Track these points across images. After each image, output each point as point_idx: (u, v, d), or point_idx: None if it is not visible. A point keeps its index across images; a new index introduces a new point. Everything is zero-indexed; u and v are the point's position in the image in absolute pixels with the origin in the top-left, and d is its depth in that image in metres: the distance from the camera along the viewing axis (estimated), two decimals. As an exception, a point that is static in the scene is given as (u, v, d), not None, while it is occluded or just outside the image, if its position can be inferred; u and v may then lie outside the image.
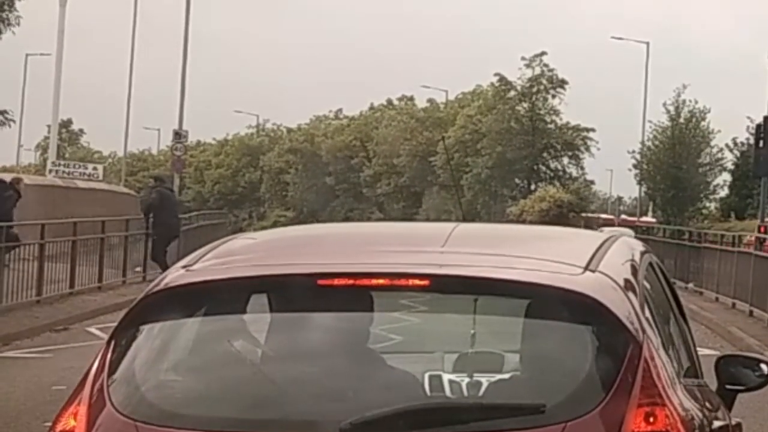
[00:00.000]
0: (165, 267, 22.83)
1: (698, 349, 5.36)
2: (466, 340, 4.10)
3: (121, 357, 3.93)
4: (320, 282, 3.91)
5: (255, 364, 4.06)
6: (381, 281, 3.91)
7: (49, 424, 4.03)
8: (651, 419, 3.66)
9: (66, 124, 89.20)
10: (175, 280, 4.10)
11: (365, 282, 3.92)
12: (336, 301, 3.95)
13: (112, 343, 4.00)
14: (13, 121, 38.13)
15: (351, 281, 3.92)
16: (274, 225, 56.28)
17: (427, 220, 59.33)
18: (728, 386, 4.97)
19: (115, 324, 4.14)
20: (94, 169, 46.25)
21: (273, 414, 3.75)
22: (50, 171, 43.53)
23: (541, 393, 3.72)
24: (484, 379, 4.06)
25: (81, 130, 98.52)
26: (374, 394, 3.77)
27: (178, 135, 46.99)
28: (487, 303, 3.94)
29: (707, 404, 4.44)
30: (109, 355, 3.95)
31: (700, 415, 4.11)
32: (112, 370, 3.90)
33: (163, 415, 3.75)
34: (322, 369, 3.87)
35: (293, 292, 3.97)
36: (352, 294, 3.96)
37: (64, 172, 43.02)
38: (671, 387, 3.86)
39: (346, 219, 67.20)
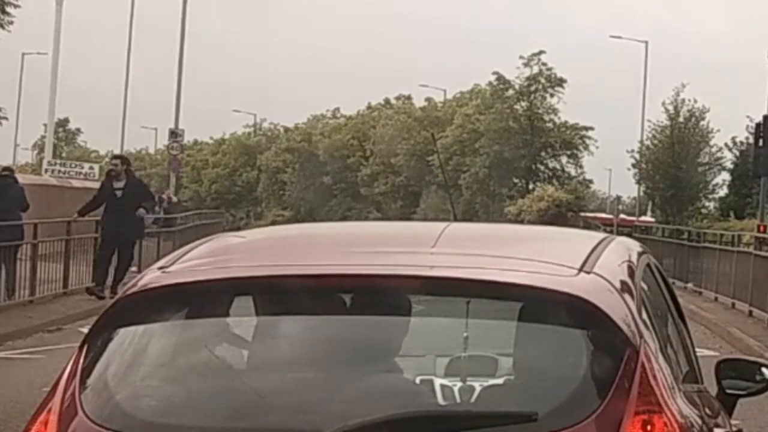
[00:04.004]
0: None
1: (697, 350, 5.26)
2: (458, 343, 3.96)
3: (94, 363, 3.77)
4: (303, 284, 3.76)
5: (235, 371, 3.90)
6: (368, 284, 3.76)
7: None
8: (649, 427, 3.51)
9: (63, 123, 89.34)
10: (151, 281, 3.93)
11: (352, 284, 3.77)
12: (321, 305, 3.80)
13: (85, 347, 3.83)
14: (6, 119, 38.14)
15: (336, 283, 3.77)
16: (272, 224, 56.23)
17: (425, 219, 59.25)
18: (728, 391, 4.84)
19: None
20: (90, 168, 46.21)
21: (254, 423, 3.59)
22: (46, 170, 43.49)
23: (534, 400, 3.58)
24: (477, 384, 3.93)
25: (78, 130, 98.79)
26: (360, 401, 3.61)
27: (175, 134, 46.99)
28: (478, 306, 3.80)
29: (707, 410, 4.31)
30: (81, 361, 3.78)
31: (699, 422, 3.97)
32: (85, 377, 3.73)
33: (138, 424, 3.59)
34: (307, 375, 3.73)
35: (276, 295, 3.82)
36: (339, 297, 3.81)
37: (60, 171, 42.98)
38: (670, 393, 3.72)
39: (344, 218, 67.16)
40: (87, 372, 3.75)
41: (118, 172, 21.80)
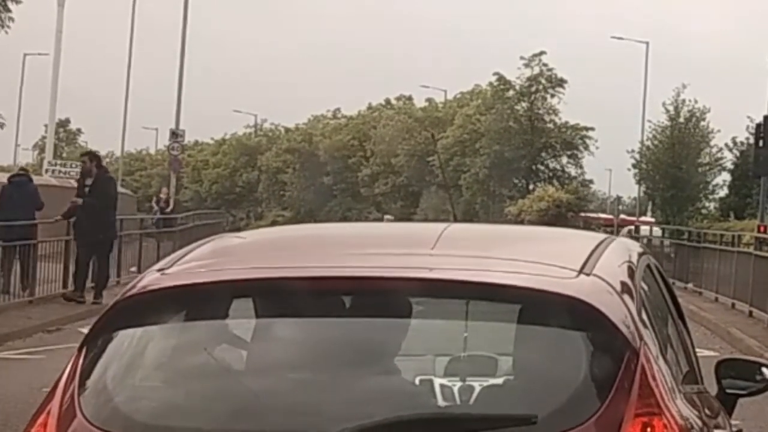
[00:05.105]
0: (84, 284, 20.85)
1: (698, 350, 5.25)
2: (457, 343, 3.98)
3: (93, 365, 3.76)
4: (302, 286, 3.75)
5: (234, 373, 3.89)
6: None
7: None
8: (648, 430, 3.51)
9: (64, 124, 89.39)
10: (150, 283, 3.93)
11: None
12: (320, 306, 3.79)
13: (84, 349, 3.83)
14: (3, 125, 38.15)
15: (336, 285, 3.76)
16: (272, 225, 56.23)
17: (425, 219, 59.28)
18: (728, 391, 4.85)
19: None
20: (91, 168, 46.08)
21: (253, 425, 3.58)
22: (47, 171, 43.42)
23: (534, 402, 3.57)
24: (477, 384, 3.93)
25: (79, 130, 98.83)
26: (359, 403, 3.60)
27: (175, 135, 47.00)
28: (477, 308, 3.79)
29: (707, 411, 4.30)
30: (80, 363, 3.78)
31: (699, 423, 3.96)
32: (84, 379, 3.72)
33: (137, 426, 3.59)
34: (308, 377, 3.72)
35: (274, 297, 3.81)
36: (338, 299, 3.81)
37: (60, 171, 42.92)
38: (669, 395, 3.71)
39: (344, 219, 67.21)
40: (86, 374, 3.74)
41: (88, 169, 20.90)
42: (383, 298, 3.75)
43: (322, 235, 4.90)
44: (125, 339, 3.83)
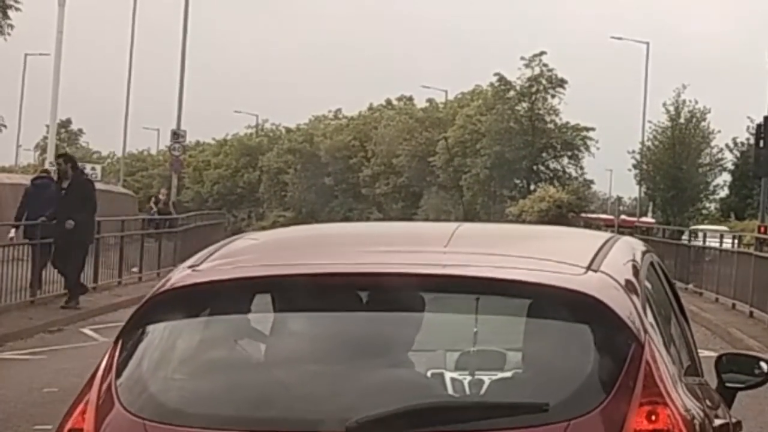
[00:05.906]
0: (80, 286, 20.64)
1: (698, 350, 5.33)
2: (467, 338, 4.15)
3: (129, 357, 3.97)
4: (324, 282, 3.93)
5: (260, 363, 4.09)
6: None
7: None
8: (653, 418, 3.67)
9: (65, 124, 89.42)
10: (181, 280, 4.12)
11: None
12: (338, 302, 3.97)
13: (120, 342, 4.04)
14: (4, 126, 38.24)
15: (353, 281, 3.94)
16: (273, 225, 56.24)
17: (426, 220, 59.30)
18: (728, 384, 5.02)
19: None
20: (92, 169, 46.23)
21: (278, 412, 3.75)
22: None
23: (543, 392, 3.73)
24: (486, 378, 4.10)
25: (80, 130, 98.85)
26: (375, 394, 3.76)
27: (176, 135, 47.06)
28: (489, 303, 3.95)
29: (708, 402, 4.47)
30: (116, 355, 3.99)
31: (701, 413, 4.13)
32: (120, 370, 3.94)
33: (171, 413, 3.78)
34: (326, 368, 3.88)
35: (297, 292, 3.99)
36: (355, 294, 3.98)
37: (61, 172, 42.87)
38: (673, 386, 3.87)
39: (345, 219, 67.20)
40: (122, 365, 3.95)
41: (64, 170, 20.36)
42: (399, 293, 3.91)
43: (339, 234, 5.14)
44: (157, 333, 4.04)
